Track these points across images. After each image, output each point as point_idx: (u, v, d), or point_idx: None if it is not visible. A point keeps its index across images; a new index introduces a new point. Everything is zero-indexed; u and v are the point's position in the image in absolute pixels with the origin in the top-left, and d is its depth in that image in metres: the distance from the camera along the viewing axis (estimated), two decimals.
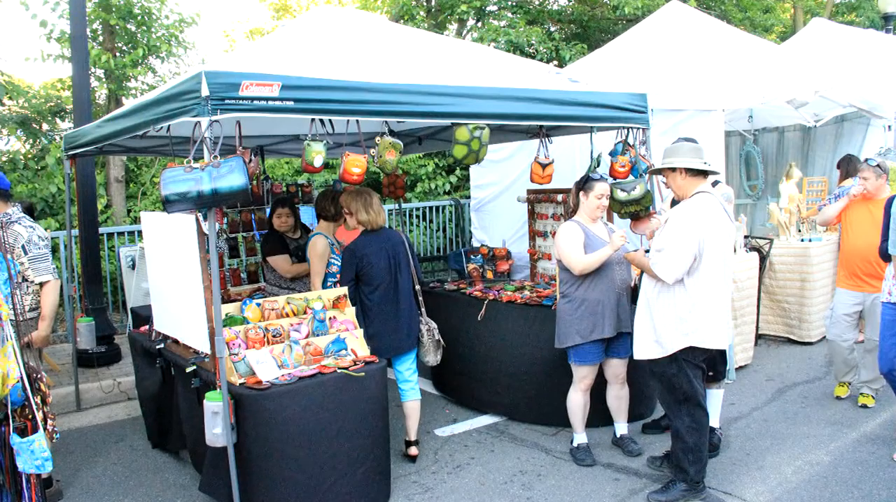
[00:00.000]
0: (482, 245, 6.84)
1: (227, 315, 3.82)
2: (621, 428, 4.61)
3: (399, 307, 4.37)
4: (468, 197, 9.18)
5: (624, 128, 4.88)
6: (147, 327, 4.64)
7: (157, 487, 4.31)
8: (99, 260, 6.82)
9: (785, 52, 7.92)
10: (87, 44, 7.07)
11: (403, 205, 9.21)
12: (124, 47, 9.96)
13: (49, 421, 3.40)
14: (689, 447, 3.80)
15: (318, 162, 3.65)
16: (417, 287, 4.54)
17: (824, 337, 6.11)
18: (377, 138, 3.99)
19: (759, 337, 6.72)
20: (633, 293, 4.38)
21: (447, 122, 4.18)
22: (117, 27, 9.76)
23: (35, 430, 3.15)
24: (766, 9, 14.99)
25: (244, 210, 6.29)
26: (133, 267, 7.02)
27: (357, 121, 3.80)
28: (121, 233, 7.97)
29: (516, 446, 4.74)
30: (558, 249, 4.37)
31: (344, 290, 4.19)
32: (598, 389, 4.56)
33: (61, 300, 6.21)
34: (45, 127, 9.28)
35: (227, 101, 3.16)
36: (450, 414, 5.40)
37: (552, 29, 12.89)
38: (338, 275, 4.51)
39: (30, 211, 6.11)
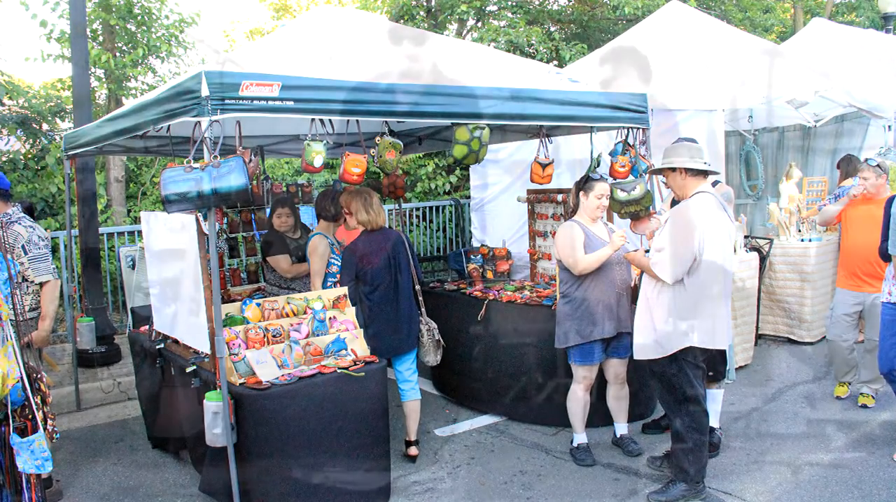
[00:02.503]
0: (482, 245, 6.83)
1: (227, 315, 3.83)
2: (621, 428, 4.61)
3: (399, 307, 4.37)
4: (468, 197, 9.17)
5: (624, 128, 4.88)
6: (147, 327, 4.63)
7: (157, 487, 4.30)
8: (99, 260, 6.82)
9: (785, 52, 7.91)
10: (87, 44, 7.07)
11: (403, 205, 9.20)
12: (124, 47, 9.95)
13: (49, 421, 3.40)
14: (689, 447, 3.80)
15: (318, 162, 3.66)
16: (417, 287, 4.54)
17: (824, 337, 6.12)
18: (377, 138, 3.99)
19: (759, 337, 6.72)
20: (633, 293, 4.38)
21: (447, 122, 4.18)
22: (117, 27, 9.75)
23: (35, 430, 3.15)
24: (766, 9, 15.00)
25: (244, 210, 6.28)
26: (133, 267, 7.01)
27: (357, 121, 3.81)
28: (121, 233, 7.95)
29: (516, 446, 4.74)
30: (558, 249, 4.37)
31: (344, 290, 4.19)
32: (599, 389, 4.56)
33: (61, 300, 6.20)
34: (45, 127, 9.25)
35: (227, 101, 3.16)
36: (450, 414, 5.40)
37: (552, 29, 12.88)
38: (338, 275, 4.51)
39: (30, 211, 6.08)
